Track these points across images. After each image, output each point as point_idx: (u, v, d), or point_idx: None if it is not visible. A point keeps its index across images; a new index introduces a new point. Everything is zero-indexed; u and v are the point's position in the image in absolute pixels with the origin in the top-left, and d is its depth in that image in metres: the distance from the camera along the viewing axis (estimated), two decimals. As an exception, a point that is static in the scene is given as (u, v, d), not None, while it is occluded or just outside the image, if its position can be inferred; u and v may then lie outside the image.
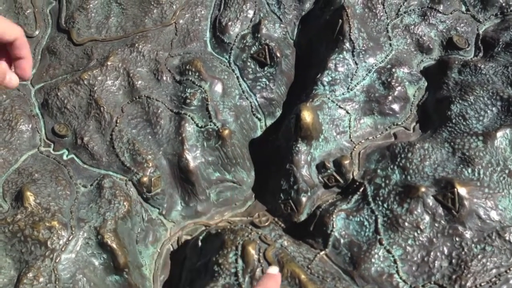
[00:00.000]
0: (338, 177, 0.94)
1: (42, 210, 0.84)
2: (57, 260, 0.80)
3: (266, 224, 0.92)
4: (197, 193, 0.99)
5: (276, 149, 1.02)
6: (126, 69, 1.06)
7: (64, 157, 0.98)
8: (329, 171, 0.95)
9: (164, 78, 1.06)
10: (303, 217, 0.94)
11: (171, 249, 0.95)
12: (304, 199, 0.93)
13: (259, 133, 1.08)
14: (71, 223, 0.84)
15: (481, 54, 1.07)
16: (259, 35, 1.11)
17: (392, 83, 1.02)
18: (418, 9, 1.12)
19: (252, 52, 1.10)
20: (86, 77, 1.03)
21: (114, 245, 0.83)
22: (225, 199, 1.01)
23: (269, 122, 1.09)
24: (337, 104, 1.01)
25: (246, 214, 1.00)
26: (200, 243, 0.88)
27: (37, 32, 1.16)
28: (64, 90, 1.03)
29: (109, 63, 1.05)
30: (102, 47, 1.11)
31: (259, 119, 1.08)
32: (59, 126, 1.00)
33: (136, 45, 1.09)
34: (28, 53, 0.86)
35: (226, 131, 0.99)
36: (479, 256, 0.79)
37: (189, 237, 0.96)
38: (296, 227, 0.93)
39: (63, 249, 0.81)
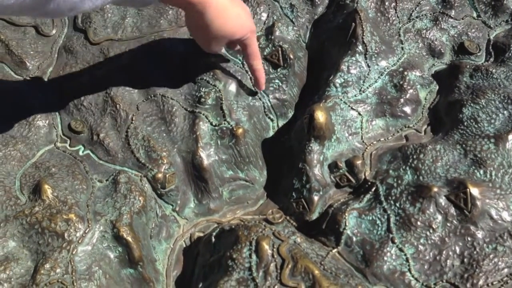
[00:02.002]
0: (350, 177, 0.96)
1: (59, 203, 0.85)
2: (73, 252, 0.81)
3: (280, 221, 0.93)
4: (210, 191, 1.00)
5: (289, 148, 1.04)
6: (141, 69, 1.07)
7: (80, 153, 0.99)
8: (341, 171, 0.96)
9: (179, 77, 1.07)
10: (315, 215, 0.95)
11: (184, 245, 0.96)
12: (316, 198, 0.95)
13: (271, 133, 1.09)
14: (88, 216, 0.85)
15: (492, 59, 1.08)
16: (272, 37, 1.12)
17: (404, 86, 1.03)
18: (430, 14, 1.14)
19: (265, 53, 1.12)
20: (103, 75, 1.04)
21: (129, 239, 0.85)
22: (238, 197, 1.02)
23: (281, 122, 1.10)
24: (349, 106, 1.02)
25: (258, 213, 1.01)
26: (213, 239, 0.89)
27: (54, 31, 1.18)
28: (81, 88, 1.04)
29: (125, 62, 1.07)
30: (118, 47, 1.12)
31: (272, 120, 1.09)
32: (76, 122, 1.02)
33: (152, 45, 1.10)
34: (254, 64, 1.04)
35: (240, 130, 1.00)
36: (491, 256, 0.80)
37: (201, 234, 0.97)
38: (308, 225, 0.94)
39: (79, 241, 0.82)
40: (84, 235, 0.83)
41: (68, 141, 1.01)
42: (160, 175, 0.96)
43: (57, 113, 1.04)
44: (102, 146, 0.99)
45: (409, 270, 0.81)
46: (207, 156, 0.99)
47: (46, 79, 1.09)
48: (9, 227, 0.83)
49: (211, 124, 1.01)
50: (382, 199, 0.88)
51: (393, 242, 0.83)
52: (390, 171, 0.92)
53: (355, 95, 1.03)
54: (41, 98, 1.05)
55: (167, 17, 1.17)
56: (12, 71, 1.10)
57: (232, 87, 1.06)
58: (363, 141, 1.00)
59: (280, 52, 1.10)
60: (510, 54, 1.05)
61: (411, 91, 1.04)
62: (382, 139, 1.01)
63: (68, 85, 1.07)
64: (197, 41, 1.03)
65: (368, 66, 1.05)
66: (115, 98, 1.03)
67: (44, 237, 0.82)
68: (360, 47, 1.06)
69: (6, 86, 1.05)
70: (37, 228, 0.83)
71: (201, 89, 1.05)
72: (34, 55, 1.12)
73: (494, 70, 1.01)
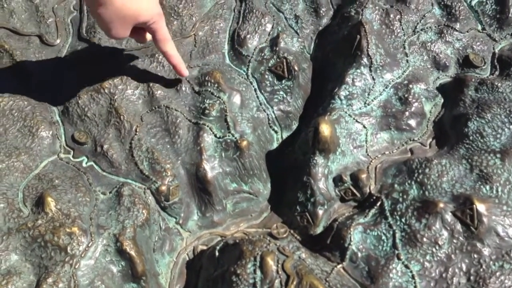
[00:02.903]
0: (355, 191, 0.95)
1: (62, 216, 0.85)
2: (76, 266, 0.81)
3: (284, 236, 0.92)
4: (213, 203, 0.99)
5: (293, 161, 1.03)
6: (146, 79, 1.07)
7: (84, 164, 0.99)
8: (346, 184, 0.96)
9: (183, 88, 1.07)
10: (319, 229, 0.94)
11: (187, 258, 0.95)
12: (320, 212, 0.94)
13: (275, 145, 1.09)
14: (91, 230, 0.85)
15: (497, 73, 1.08)
16: (277, 49, 1.12)
17: (409, 99, 1.03)
18: (435, 26, 1.13)
19: (270, 65, 1.11)
20: (107, 86, 1.04)
21: (132, 253, 0.84)
22: (241, 210, 1.01)
23: (286, 134, 1.10)
24: (354, 118, 1.02)
25: (261, 226, 1.00)
26: (217, 253, 0.88)
27: (58, 41, 1.18)
28: (85, 98, 1.04)
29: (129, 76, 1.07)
30: (123, 57, 1.12)
31: (276, 132, 1.09)
32: (79, 133, 1.01)
33: (156, 55, 1.10)
34: (167, 49, 0.97)
35: (245, 142, 1.00)
36: (497, 274, 0.79)
37: (204, 247, 0.96)
38: (312, 239, 0.93)
39: (82, 255, 0.82)
40: (87, 249, 0.83)
41: (72, 152, 1.01)
42: (163, 188, 0.96)
43: (60, 124, 1.04)
44: (105, 158, 0.99)
45: (415, 287, 0.80)
46: (211, 168, 0.99)
47: (49, 89, 1.09)
48: (12, 240, 0.83)
49: (215, 136, 1.01)
50: (388, 214, 0.88)
51: (398, 258, 0.82)
52: (395, 186, 0.92)
53: (360, 108, 1.03)
54: (45, 108, 1.05)
55: (171, 28, 1.16)
56: (16, 81, 1.09)
57: (237, 99, 1.05)
58: (367, 154, 1.00)
59: (284, 63, 1.10)
60: (515, 68, 1.05)
61: (416, 104, 1.03)
62: (387, 152, 1.01)
63: (72, 95, 1.06)
64: (98, 25, 0.97)
65: (373, 79, 1.05)
66: (119, 109, 1.03)
67: (47, 251, 0.81)
68: (365, 60, 1.05)
69: (10, 96, 1.05)
70: (40, 242, 0.82)
71: (205, 100, 1.04)
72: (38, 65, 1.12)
73: (499, 84, 1.01)
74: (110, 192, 0.93)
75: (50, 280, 0.79)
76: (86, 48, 1.15)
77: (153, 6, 0.93)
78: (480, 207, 0.82)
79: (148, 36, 1.00)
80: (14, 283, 0.79)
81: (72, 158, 1.00)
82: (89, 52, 1.15)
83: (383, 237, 0.85)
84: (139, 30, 0.97)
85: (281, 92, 1.10)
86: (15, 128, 1.00)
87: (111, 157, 0.99)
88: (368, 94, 1.04)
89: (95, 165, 0.99)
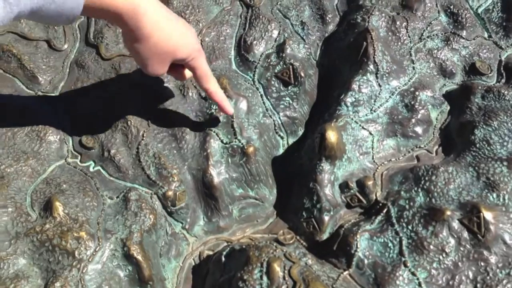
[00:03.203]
0: (361, 197, 0.95)
1: (70, 220, 0.85)
2: (84, 271, 0.81)
3: (291, 242, 0.93)
4: (220, 209, 0.99)
5: (299, 167, 1.03)
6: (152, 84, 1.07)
7: (91, 169, 0.99)
8: (352, 191, 0.96)
9: (190, 94, 1.07)
10: (325, 236, 0.94)
11: (193, 263, 0.96)
12: (327, 218, 0.94)
13: (281, 151, 1.09)
14: (98, 234, 0.85)
15: (503, 80, 1.08)
16: (283, 55, 1.13)
17: (416, 106, 1.03)
18: (441, 34, 1.14)
19: (276, 71, 1.12)
20: (114, 91, 1.05)
21: (139, 258, 0.84)
22: (247, 215, 1.02)
23: (292, 140, 1.10)
24: (360, 125, 1.02)
25: (267, 231, 1.00)
26: (223, 259, 0.88)
27: (66, 46, 1.18)
28: (92, 103, 1.04)
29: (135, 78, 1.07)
30: (130, 62, 1.13)
31: (282, 137, 1.09)
32: (87, 138, 1.02)
33: (163, 61, 1.10)
34: (209, 86, 0.94)
35: (251, 148, 1.00)
36: (504, 281, 0.79)
37: (210, 252, 0.96)
38: (318, 245, 0.94)
39: (90, 260, 0.82)
40: (94, 253, 0.83)
41: (79, 157, 1.01)
42: (170, 193, 0.96)
43: (68, 129, 1.04)
44: (112, 163, 0.99)
45: (422, 294, 0.80)
46: (218, 174, 0.99)
47: (57, 94, 1.10)
48: (20, 244, 0.83)
49: (222, 142, 1.01)
50: (394, 221, 0.88)
51: (405, 265, 0.82)
52: (402, 193, 0.92)
53: (366, 115, 1.03)
54: (52, 113, 1.06)
55: (178, 34, 1.17)
56: (24, 86, 1.10)
57: (243, 104, 1.06)
58: (374, 161, 1.00)
59: (291, 70, 1.11)
60: (522, 76, 1.05)
61: (422, 111, 1.04)
62: (393, 159, 1.01)
63: (80, 100, 1.07)
64: (136, 61, 0.92)
65: (379, 86, 1.05)
66: (126, 114, 1.03)
67: (54, 255, 0.82)
68: (371, 66, 1.06)
69: (18, 101, 1.06)
70: (48, 246, 0.82)
71: (212, 106, 1.05)
72: (46, 69, 1.12)
73: (506, 92, 1.01)
74: (117, 197, 0.94)
75: (57, 284, 0.79)
76: (93, 53, 1.16)
77: (191, 42, 0.90)
78: (487, 215, 0.82)
79: (188, 73, 0.97)
80: (22, 286, 0.79)
81: (79, 163, 1.00)
82: (95, 57, 1.15)
83: (390, 244, 0.85)
84: (178, 67, 0.95)
85: (287, 98, 1.11)
86: (23, 132, 1.00)
87: (118, 162, 0.99)
88: (375, 101, 1.04)
89: (102, 170, 0.99)
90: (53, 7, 0.73)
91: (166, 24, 0.85)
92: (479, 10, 1.18)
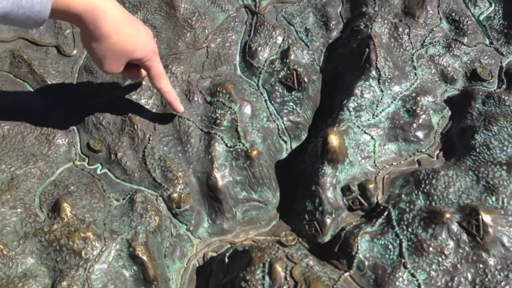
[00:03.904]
0: (362, 201, 0.97)
1: (77, 221, 0.87)
2: (90, 270, 0.83)
3: (293, 243, 0.94)
4: (224, 211, 1.01)
5: (302, 171, 1.05)
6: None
7: (98, 171, 1.02)
8: (353, 194, 0.97)
9: (196, 98, 1.10)
10: (327, 238, 0.96)
11: (197, 265, 0.97)
12: (328, 221, 0.96)
13: (284, 155, 1.11)
14: (105, 235, 0.87)
15: (504, 86, 1.10)
16: (287, 61, 1.15)
17: (417, 111, 1.05)
18: (443, 40, 1.16)
19: (280, 76, 1.14)
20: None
21: (145, 258, 0.86)
22: (251, 218, 1.04)
23: (295, 144, 1.12)
24: (362, 130, 1.03)
25: (270, 234, 1.02)
26: (227, 260, 0.90)
27: (75, 52, 1.21)
28: (100, 107, 1.07)
29: (143, 82, 1.09)
30: (137, 68, 1.15)
31: (285, 142, 1.11)
32: (94, 141, 1.04)
33: (170, 66, 1.13)
34: (162, 85, 0.97)
35: (255, 152, 1.02)
36: (503, 283, 0.80)
37: (214, 254, 0.98)
38: (320, 247, 0.95)
39: (96, 260, 0.84)
40: (100, 253, 0.85)
41: (87, 160, 1.04)
42: (175, 195, 0.98)
43: (76, 132, 1.07)
44: (119, 165, 1.02)
45: (421, 296, 0.81)
46: (222, 177, 1.01)
47: (66, 98, 1.12)
48: (28, 244, 0.85)
49: (226, 145, 1.03)
50: (395, 223, 0.89)
51: (405, 267, 0.84)
52: (403, 196, 0.93)
53: (368, 119, 1.05)
54: (61, 117, 1.08)
55: (185, 40, 1.20)
56: (34, 90, 1.13)
57: (247, 109, 1.08)
58: (375, 165, 1.01)
59: (295, 75, 1.13)
60: (522, 82, 1.07)
61: (423, 116, 1.05)
62: (394, 163, 1.02)
63: (88, 104, 1.10)
64: (92, 60, 0.93)
65: (382, 91, 1.07)
66: (133, 118, 1.05)
67: (62, 255, 0.84)
68: (373, 72, 1.08)
69: (28, 105, 1.08)
70: (55, 246, 0.84)
71: (216, 110, 1.07)
72: (56, 74, 1.15)
73: (506, 98, 1.02)
74: (123, 199, 0.96)
75: (64, 283, 0.81)
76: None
77: (148, 43, 0.93)
78: (486, 217, 0.84)
79: (143, 73, 1.01)
80: (30, 285, 0.81)
81: (87, 165, 1.03)
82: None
83: (390, 246, 0.87)
84: (133, 66, 0.97)
85: (291, 103, 1.12)
86: (33, 135, 1.03)
87: (125, 164, 1.01)
88: (377, 106, 1.06)
89: (109, 172, 1.02)
90: (21, 11, 0.76)
91: (124, 25, 0.87)
92: (481, 17, 1.19)
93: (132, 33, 0.89)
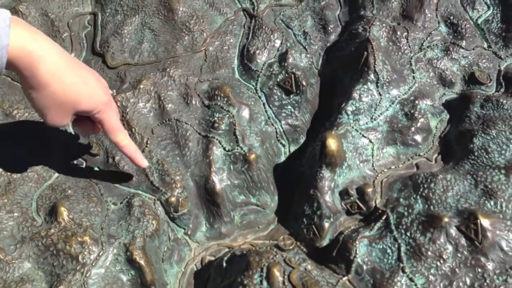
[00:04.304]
0: (361, 205, 0.96)
1: (74, 225, 0.87)
2: (87, 275, 0.83)
3: (291, 247, 0.94)
4: (221, 215, 1.01)
5: (300, 174, 1.05)
6: (157, 93, 1.10)
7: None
8: (352, 198, 0.97)
9: (194, 102, 1.09)
10: (325, 242, 0.95)
11: (195, 269, 0.97)
12: (327, 225, 0.95)
13: (283, 158, 1.11)
14: (102, 239, 0.87)
15: (502, 90, 1.10)
16: (285, 64, 1.15)
17: (415, 115, 1.05)
18: (441, 44, 1.15)
19: (278, 80, 1.14)
20: (119, 99, 1.07)
21: (142, 262, 0.86)
22: (249, 221, 1.03)
23: (293, 148, 1.12)
24: (360, 133, 1.03)
25: (268, 238, 1.02)
26: (224, 264, 0.90)
27: (72, 55, 1.21)
28: (98, 111, 1.07)
29: (141, 86, 1.09)
30: (135, 71, 1.15)
31: (283, 145, 1.11)
32: (92, 145, 1.04)
33: (168, 69, 1.13)
34: (118, 139, 0.88)
35: (253, 156, 1.02)
36: (501, 288, 0.80)
37: (212, 258, 0.98)
38: (318, 251, 0.95)
39: (93, 264, 0.84)
40: (98, 257, 0.85)
41: (84, 163, 1.03)
42: (173, 199, 0.98)
43: (73, 136, 1.06)
44: (117, 169, 1.01)
45: (420, 300, 0.81)
46: (220, 180, 1.01)
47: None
48: (25, 248, 0.85)
49: (224, 149, 1.03)
50: (393, 227, 0.89)
51: (403, 271, 0.83)
52: (401, 200, 0.93)
53: (366, 123, 1.05)
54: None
55: (183, 43, 1.20)
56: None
57: (245, 113, 1.07)
58: (374, 169, 1.01)
59: (293, 78, 1.13)
60: (520, 85, 1.07)
61: (422, 119, 1.05)
62: (393, 167, 1.02)
63: (85, 108, 1.09)
64: (34, 109, 0.84)
65: (380, 95, 1.07)
66: (130, 121, 1.05)
67: (59, 259, 0.84)
68: (372, 76, 1.07)
69: (25, 108, 1.08)
70: (52, 250, 0.84)
71: (214, 114, 1.07)
72: (53, 78, 1.15)
73: (504, 101, 1.02)
74: (121, 203, 0.95)
75: (61, 287, 0.81)
76: (99, 62, 1.18)
77: (97, 93, 0.84)
78: (485, 222, 0.83)
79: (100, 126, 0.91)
80: (26, 290, 0.81)
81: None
82: (101, 65, 1.18)
83: (388, 250, 0.86)
84: (85, 119, 0.89)
85: (289, 107, 1.12)
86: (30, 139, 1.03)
87: (123, 168, 1.01)
88: (375, 110, 1.06)
89: (107, 177, 1.01)
90: None
91: (67, 73, 0.79)
92: (479, 21, 1.19)
93: (77, 82, 0.80)
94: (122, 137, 0.90)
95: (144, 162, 0.94)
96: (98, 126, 0.90)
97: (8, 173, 0.95)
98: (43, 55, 0.76)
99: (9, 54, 0.72)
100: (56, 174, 0.99)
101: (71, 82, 0.80)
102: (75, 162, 1.03)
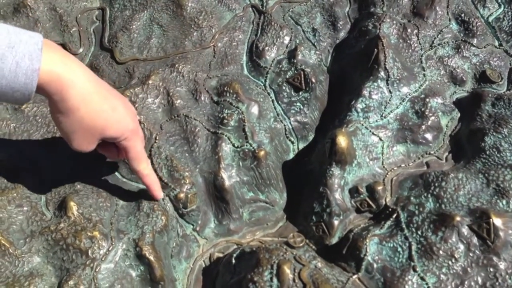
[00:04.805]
0: (370, 202, 0.96)
1: (84, 220, 0.87)
2: (97, 270, 0.83)
3: (301, 245, 0.93)
4: (230, 212, 1.01)
5: (309, 172, 1.04)
6: (166, 88, 1.09)
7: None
8: (362, 196, 0.97)
9: (202, 98, 1.09)
10: (334, 240, 0.95)
11: (204, 265, 0.97)
12: (336, 222, 0.95)
13: (291, 155, 1.10)
14: (111, 234, 0.86)
15: (514, 88, 1.09)
16: (295, 61, 1.14)
17: (426, 113, 1.04)
18: (452, 41, 1.15)
19: (287, 76, 1.13)
20: (128, 94, 1.06)
21: (151, 258, 0.85)
22: (257, 218, 1.03)
23: (302, 145, 1.12)
24: (370, 131, 1.03)
25: (277, 235, 1.01)
26: (234, 261, 0.89)
27: (81, 50, 1.21)
28: (107, 106, 1.06)
29: (150, 81, 1.09)
30: (144, 66, 1.15)
31: (292, 142, 1.11)
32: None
33: (176, 65, 1.12)
34: (140, 168, 0.87)
35: (262, 152, 1.01)
36: (513, 288, 0.79)
37: (221, 255, 0.97)
38: (328, 249, 0.94)
39: (103, 259, 0.83)
40: (107, 252, 0.84)
41: (92, 157, 1.03)
42: (182, 195, 0.97)
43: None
44: (125, 165, 1.01)
45: (431, 299, 0.81)
46: (229, 177, 1.01)
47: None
48: (35, 242, 0.85)
49: (233, 145, 1.03)
50: (404, 226, 0.88)
51: (414, 270, 0.83)
52: (412, 198, 0.92)
53: (376, 121, 1.04)
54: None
55: (191, 39, 1.19)
56: (40, 88, 1.12)
57: (255, 109, 1.07)
58: (383, 167, 1.01)
59: (302, 75, 1.12)
60: (532, 84, 1.06)
61: (432, 118, 1.04)
62: (403, 165, 1.02)
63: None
64: (61, 134, 0.82)
65: (390, 92, 1.06)
66: (139, 117, 1.05)
67: (68, 254, 0.83)
68: (382, 73, 1.07)
69: (34, 103, 1.07)
70: (62, 245, 0.84)
71: (224, 110, 1.06)
72: (62, 72, 1.14)
73: (516, 100, 1.01)
74: (130, 198, 0.95)
75: (71, 282, 0.80)
76: (108, 57, 1.18)
77: (125, 120, 0.83)
78: (497, 221, 0.83)
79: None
80: (36, 284, 0.80)
81: (93, 164, 1.02)
82: (110, 61, 1.17)
83: (399, 249, 0.86)
84: (110, 145, 0.88)
85: (298, 104, 1.12)
86: (39, 134, 1.02)
87: (131, 164, 1.01)
88: (385, 107, 1.05)
89: (115, 172, 1.01)
90: (4, 82, 0.70)
91: (96, 99, 0.78)
92: (490, 19, 1.19)
93: (106, 108, 0.80)
94: (144, 166, 0.90)
95: (160, 194, 0.93)
96: (122, 153, 0.89)
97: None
98: (74, 79, 0.75)
99: (40, 78, 0.72)
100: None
101: (100, 109, 0.79)
102: (83, 156, 1.03)
